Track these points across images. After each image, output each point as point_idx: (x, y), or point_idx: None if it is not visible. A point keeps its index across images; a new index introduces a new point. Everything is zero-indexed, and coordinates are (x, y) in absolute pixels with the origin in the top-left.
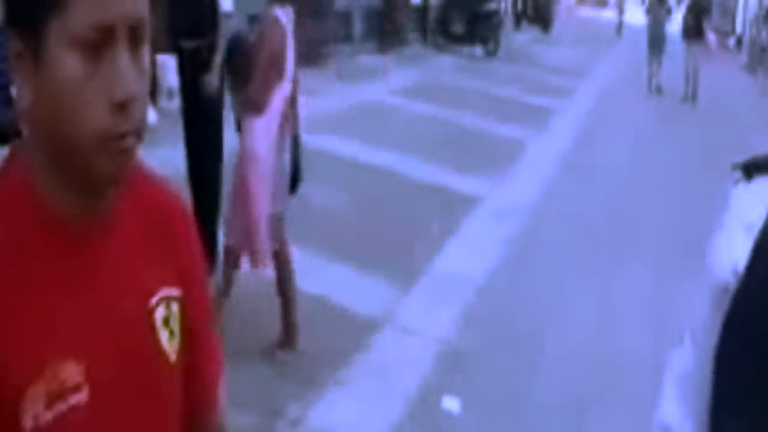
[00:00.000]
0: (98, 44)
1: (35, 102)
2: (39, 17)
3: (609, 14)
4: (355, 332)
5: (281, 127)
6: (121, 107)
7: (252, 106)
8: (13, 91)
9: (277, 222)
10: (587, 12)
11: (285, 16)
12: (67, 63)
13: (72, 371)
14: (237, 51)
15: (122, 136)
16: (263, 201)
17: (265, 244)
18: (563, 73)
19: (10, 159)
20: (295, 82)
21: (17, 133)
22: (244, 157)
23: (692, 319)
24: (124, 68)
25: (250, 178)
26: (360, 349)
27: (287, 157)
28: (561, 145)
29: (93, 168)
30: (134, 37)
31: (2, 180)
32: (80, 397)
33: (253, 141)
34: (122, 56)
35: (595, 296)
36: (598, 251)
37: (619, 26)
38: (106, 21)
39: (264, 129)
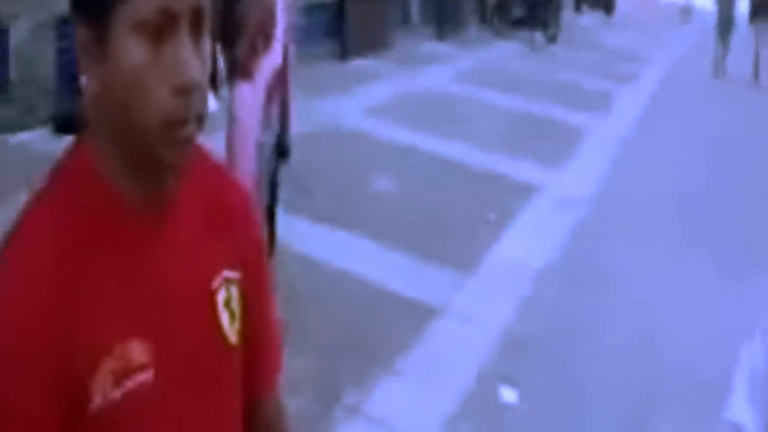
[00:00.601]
0: (161, 29)
1: (100, 89)
2: (105, 5)
3: None
4: (413, 320)
5: (268, 100)
6: (183, 92)
7: (238, 69)
8: (82, 80)
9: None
10: None
11: None
12: (132, 49)
13: (138, 351)
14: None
15: (184, 122)
16: (244, 163)
17: None
18: (627, 58)
19: (77, 146)
20: (285, 54)
21: (86, 122)
22: (229, 123)
23: (763, 317)
24: (186, 54)
25: (233, 142)
26: (418, 337)
27: (272, 133)
28: (624, 131)
29: (155, 154)
30: (196, 24)
31: (69, 166)
32: (146, 376)
33: (238, 105)
34: (184, 42)
35: (657, 288)
36: (660, 241)
37: (687, 10)
38: (171, 5)
39: (249, 95)
